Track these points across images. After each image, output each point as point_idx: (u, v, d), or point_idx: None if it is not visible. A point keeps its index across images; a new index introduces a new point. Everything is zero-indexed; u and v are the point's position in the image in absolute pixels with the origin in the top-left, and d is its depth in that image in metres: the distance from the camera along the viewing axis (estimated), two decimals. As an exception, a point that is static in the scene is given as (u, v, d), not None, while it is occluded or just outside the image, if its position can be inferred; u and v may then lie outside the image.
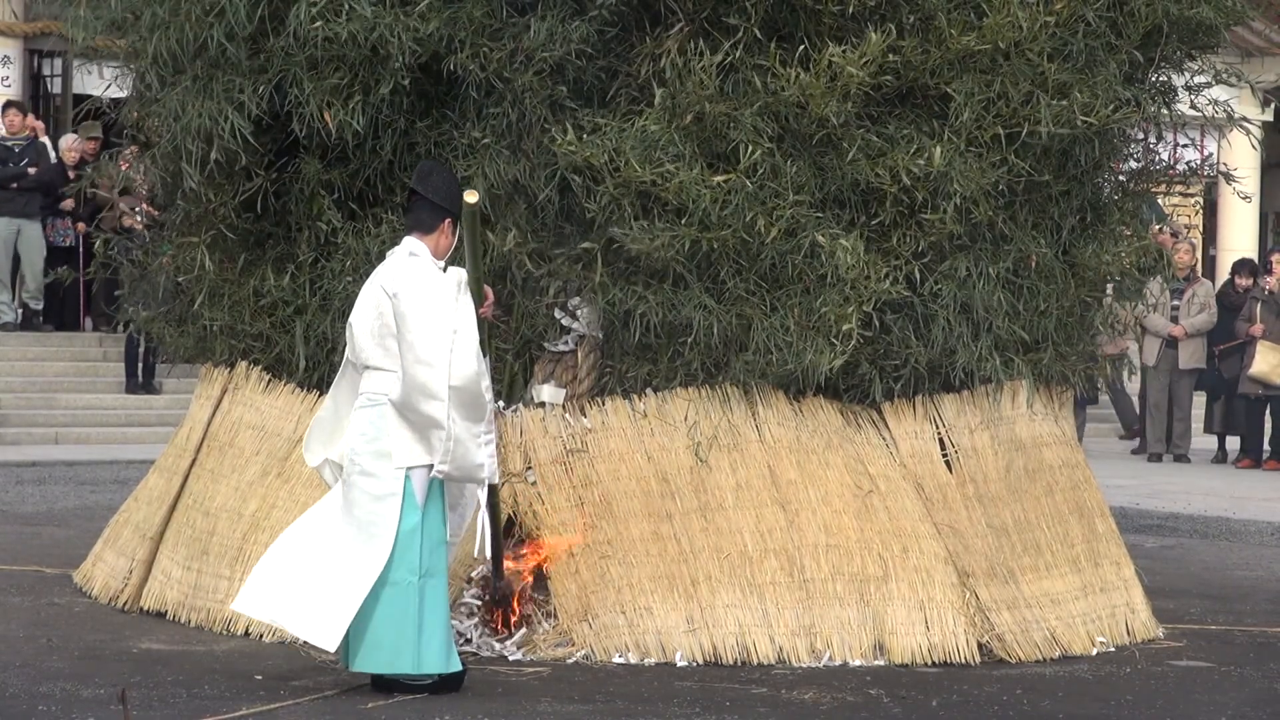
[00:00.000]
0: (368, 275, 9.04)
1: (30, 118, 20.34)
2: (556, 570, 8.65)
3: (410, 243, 7.91)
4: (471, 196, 7.90)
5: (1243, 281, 19.58)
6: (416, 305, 7.71)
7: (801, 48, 8.73)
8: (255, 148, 9.05)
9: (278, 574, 7.79)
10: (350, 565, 7.67)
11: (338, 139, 8.88)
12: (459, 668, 7.80)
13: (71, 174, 19.33)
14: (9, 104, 20.27)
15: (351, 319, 7.92)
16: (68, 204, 19.35)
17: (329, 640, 7.68)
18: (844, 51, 8.61)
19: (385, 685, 7.73)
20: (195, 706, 7.44)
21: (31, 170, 19.46)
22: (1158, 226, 10.64)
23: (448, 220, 7.92)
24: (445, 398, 7.61)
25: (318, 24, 8.63)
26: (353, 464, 7.76)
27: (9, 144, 19.54)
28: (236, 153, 8.99)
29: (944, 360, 9.12)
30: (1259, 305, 18.87)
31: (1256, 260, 21.85)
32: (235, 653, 8.55)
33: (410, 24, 8.54)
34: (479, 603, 8.68)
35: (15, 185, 19.45)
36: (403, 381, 7.67)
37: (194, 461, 9.73)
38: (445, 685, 7.74)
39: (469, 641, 8.55)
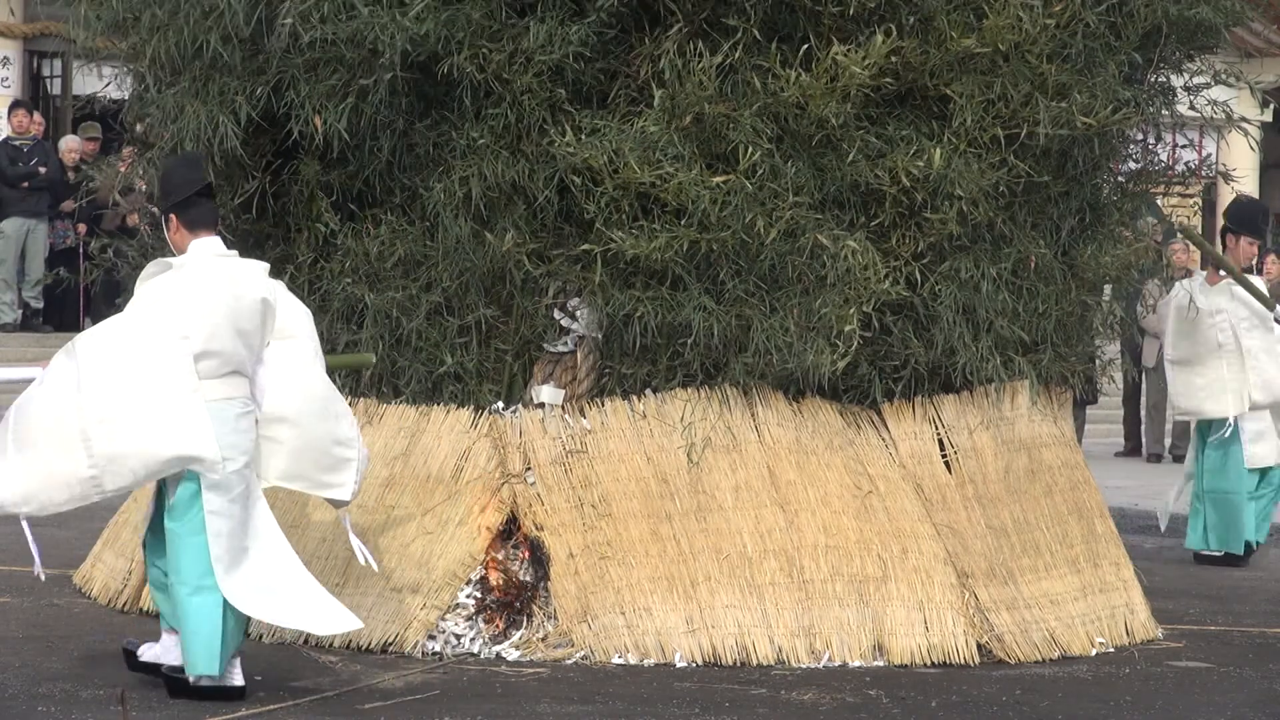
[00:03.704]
0: (367, 276, 9.09)
1: (37, 117, 20.33)
2: (556, 571, 8.66)
3: (218, 244, 7.72)
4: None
5: (1239, 281, 19.57)
6: (303, 316, 7.80)
7: (805, 47, 8.74)
8: (243, 156, 9.05)
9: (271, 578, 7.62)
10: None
11: (337, 141, 8.88)
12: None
13: (71, 175, 19.34)
14: (16, 104, 20.26)
15: (222, 324, 7.52)
16: (67, 205, 19.36)
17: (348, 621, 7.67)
18: (848, 52, 8.62)
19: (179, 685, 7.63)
20: (195, 706, 7.44)
21: (41, 170, 19.47)
22: (1147, 221, 10.67)
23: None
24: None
25: (288, 21, 8.63)
26: (248, 463, 7.60)
27: (16, 144, 19.53)
28: (232, 155, 9.00)
29: (944, 361, 9.13)
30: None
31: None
32: (235, 653, 8.55)
33: (404, 25, 8.53)
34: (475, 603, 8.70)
35: (26, 185, 19.45)
36: (318, 386, 7.73)
37: (193, 462, 9.72)
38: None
39: (471, 642, 8.57)
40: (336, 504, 7.95)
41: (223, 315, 7.53)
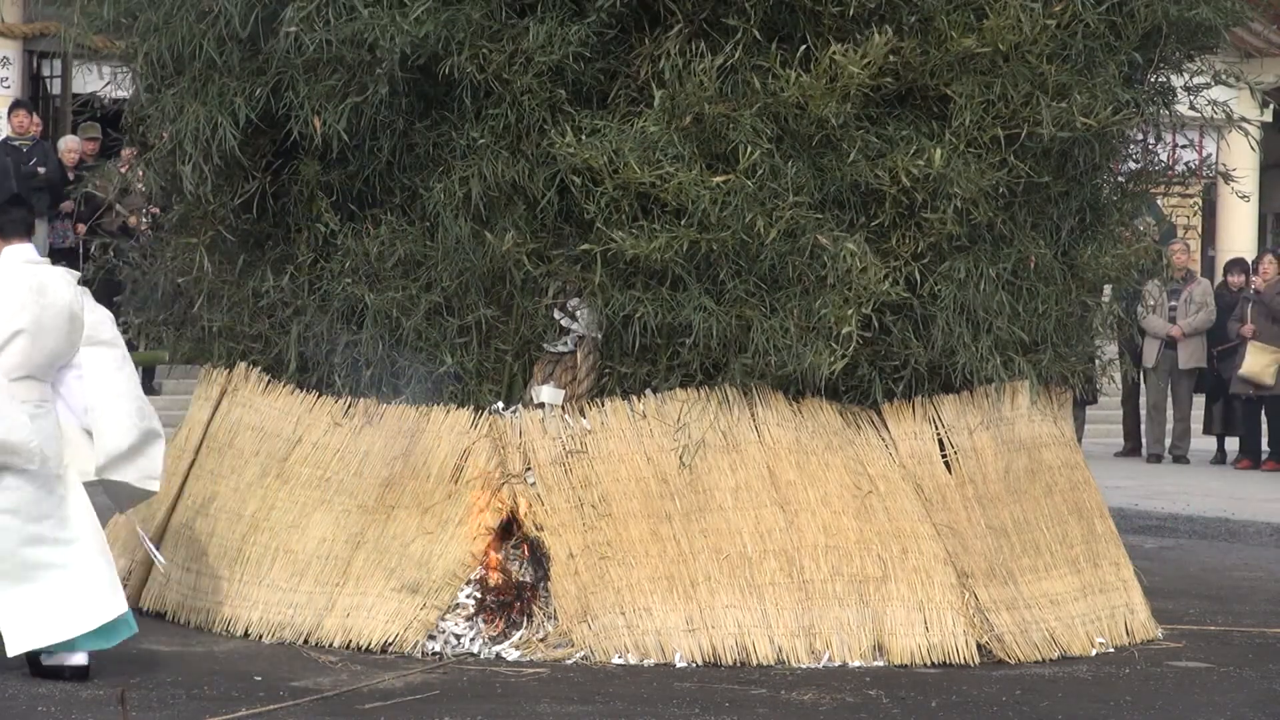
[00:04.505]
0: (367, 276, 9.09)
1: (36, 117, 20.32)
2: (556, 571, 8.66)
3: (29, 250, 7.98)
4: None
5: (1235, 280, 19.58)
6: (109, 322, 8.15)
7: (803, 48, 8.75)
8: (242, 157, 9.05)
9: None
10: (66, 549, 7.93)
11: (337, 141, 8.88)
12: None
13: (71, 175, 19.32)
14: (16, 104, 20.24)
15: (26, 328, 7.80)
16: (67, 206, 19.35)
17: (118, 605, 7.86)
18: (845, 51, 8.63)
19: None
20: (195, 707, 7.44)
21: (41, 170, 19.46)
22: (1146, 221, 10.67)
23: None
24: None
25: (293, 30, 8.63)
26: (46, 462, 7.81)
27: (16, 144, 19.52)
28: (231, 156, 9.00)
29: (944, 361, 9.13)
30: (1249, 305, 18.86)
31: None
32: (235, 653, 8.56)
33: (404, 25, 8.53)
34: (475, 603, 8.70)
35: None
36: (129, 388, 8.01)
37: (193, 462, 9.73)
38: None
39: (471, 642, 8.58)
40: (146, 496, 8.28)
41: (26, 320, 7.80)
